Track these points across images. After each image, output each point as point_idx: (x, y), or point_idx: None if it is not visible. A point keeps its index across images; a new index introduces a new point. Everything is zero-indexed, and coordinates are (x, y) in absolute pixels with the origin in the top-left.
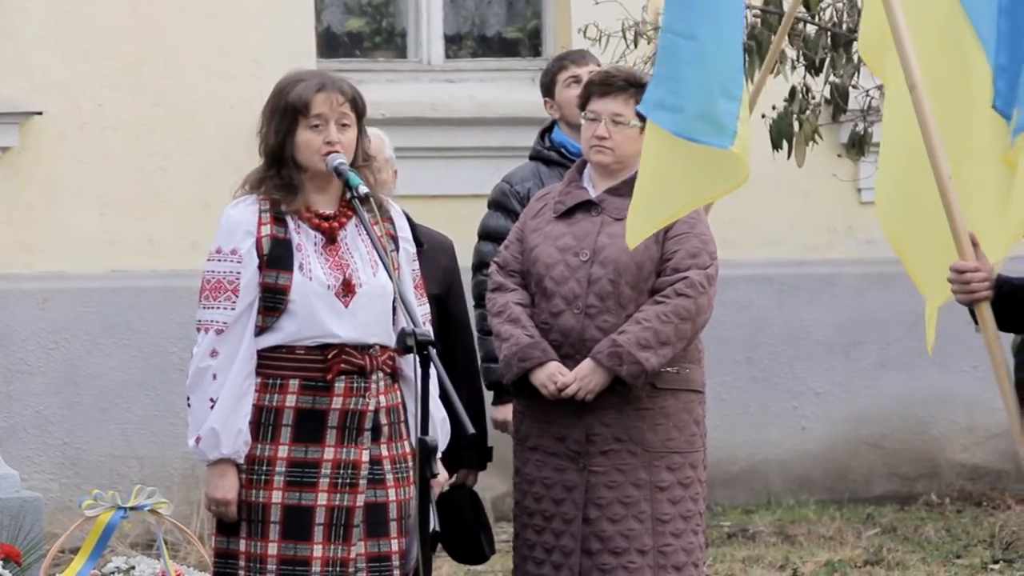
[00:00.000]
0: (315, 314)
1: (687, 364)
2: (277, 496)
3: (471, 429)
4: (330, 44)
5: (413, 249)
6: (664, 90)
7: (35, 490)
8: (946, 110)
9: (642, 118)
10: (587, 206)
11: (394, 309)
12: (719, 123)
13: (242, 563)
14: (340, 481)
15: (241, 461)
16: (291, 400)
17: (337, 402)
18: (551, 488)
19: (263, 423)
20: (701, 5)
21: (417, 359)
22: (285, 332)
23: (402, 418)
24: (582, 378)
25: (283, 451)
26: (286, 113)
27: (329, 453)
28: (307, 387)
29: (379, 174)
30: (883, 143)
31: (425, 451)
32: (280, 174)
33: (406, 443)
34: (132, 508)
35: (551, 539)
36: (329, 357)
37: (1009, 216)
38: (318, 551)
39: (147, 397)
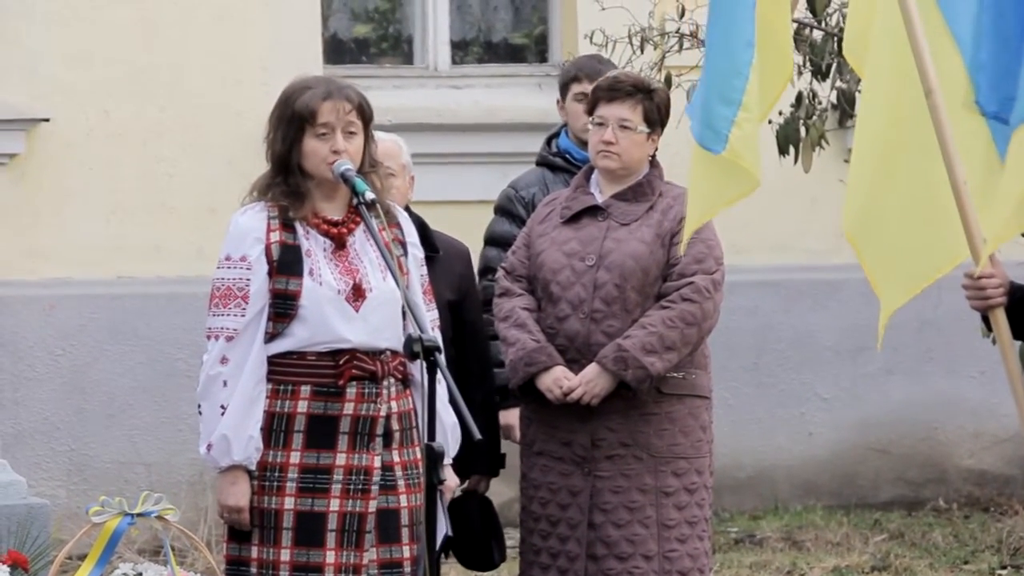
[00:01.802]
0: (326, 319)
1: (693, 369)
2: (290, 503)
3: (478, 435)
4: (336, 50)
5: (421, 254)
6: (697, 95)
7: (42, 497)
8: (917, 109)
9: (649, 124)
10: (593, 211)
11: (404, 314)
12: (715, 128)
13: (254, 570)
14: (352, 487)
15: (253, 468)
16: (303, 406)
17: (349, 408)
18: (556, 493)
19: (275, 429)
20: (714, 7)
21: (424, 365)
22: (296, 338)
23: (413, 424)
24: (587, 382)
25: (295, 457)
26: (292, 121)
27: (341, 459)
28: (319, 393)
29: (395, 179)
30: (855, 140)
31: (432, 457)
32: (287, 181)
33: (417, 449)
34: (139, 514)
35: (556, 544)
36: (341, 363)
37: (998, 215)
38: (331, 557)
39: (154, 403)
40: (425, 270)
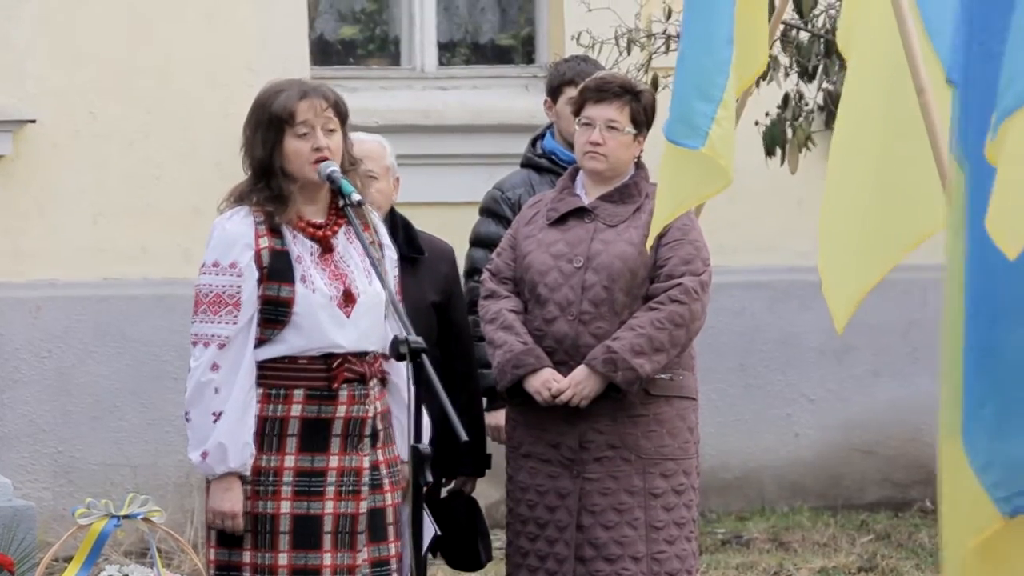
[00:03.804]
0: (319, 325)
1: (681, 371)
2: (286, 506)
3: (464, 436)
4: (323, 52)
5: (395, 255)
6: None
7: (28, 499)
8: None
9: (636, 125)
10: (580, 213)
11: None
12: (693, 124)
13: (248, 574)
14: (344, 488)
15: (247, 474)
16: (296, 410)
17: (341, 410)
18: (545, 495)
19: (267, 434)
20: (690, 4)
21: (410, 367)
22: (288, 344)
23: (390, 422)
24: (576, 384)
25: (290, 461)
26: (271, 124)
27: (334, 461)
28: (312, 396)
29: (379, 182)
30: (834, 132)
31: (418, 459)
32: (269, 186)
33: (395, 447)
34: (125, 516)
35: (545, 547)
36: (333, 366)
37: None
38: (328, 559)
39: (140, 405)
40: (398, 271)
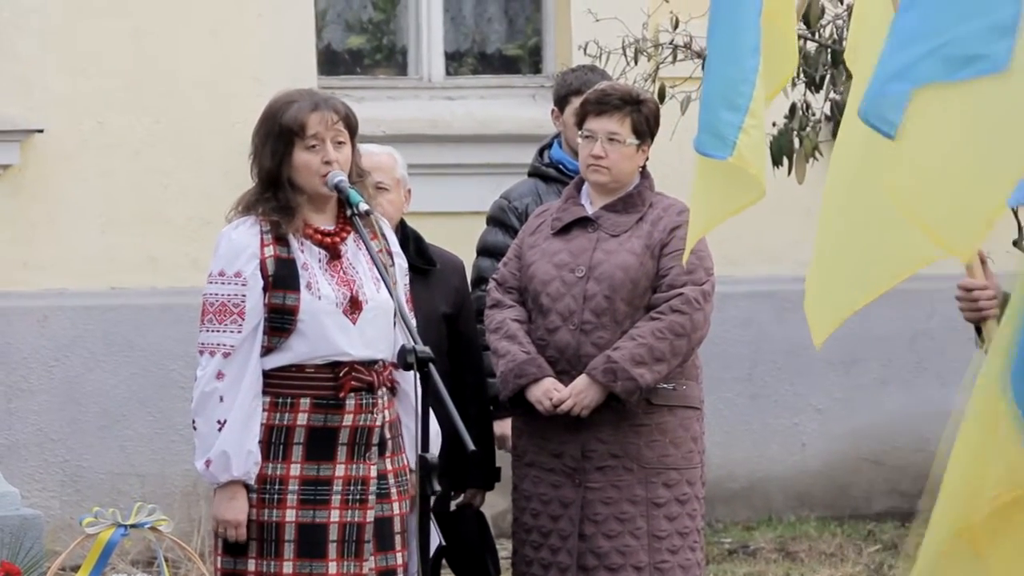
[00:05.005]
0: (325, 332)
1: (684, 380)
2: (291, 515)
3: (471, 446)
4: (331, 61)
5: (405, 264)
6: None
7: (36, 508)
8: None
9: (639, 136)
10: (584, 223)
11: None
12: (721, 134)
13: None
14: (351, 497)
15: (251, 482)
16: (303, 418)
17: (348, 419)
18: (548, 504)
19: (274, 442)
20: (715, 15)
21: (417, 376)
22: (295, 352)
23: (399, 431)
24: (577, 394)
25: (295, 469)
26: (281, 136)
27: (340, 470)
28: (319, 405)
29: (389, 193)
30: (835, 147)
31: (425, 468)
32: (277, 197)
33: (404, 456)
34: (133, 525)
35: (548, 555)
36: (340, 375)
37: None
38: (333, 568)
39: (148, 414)
40: (408, 280)
